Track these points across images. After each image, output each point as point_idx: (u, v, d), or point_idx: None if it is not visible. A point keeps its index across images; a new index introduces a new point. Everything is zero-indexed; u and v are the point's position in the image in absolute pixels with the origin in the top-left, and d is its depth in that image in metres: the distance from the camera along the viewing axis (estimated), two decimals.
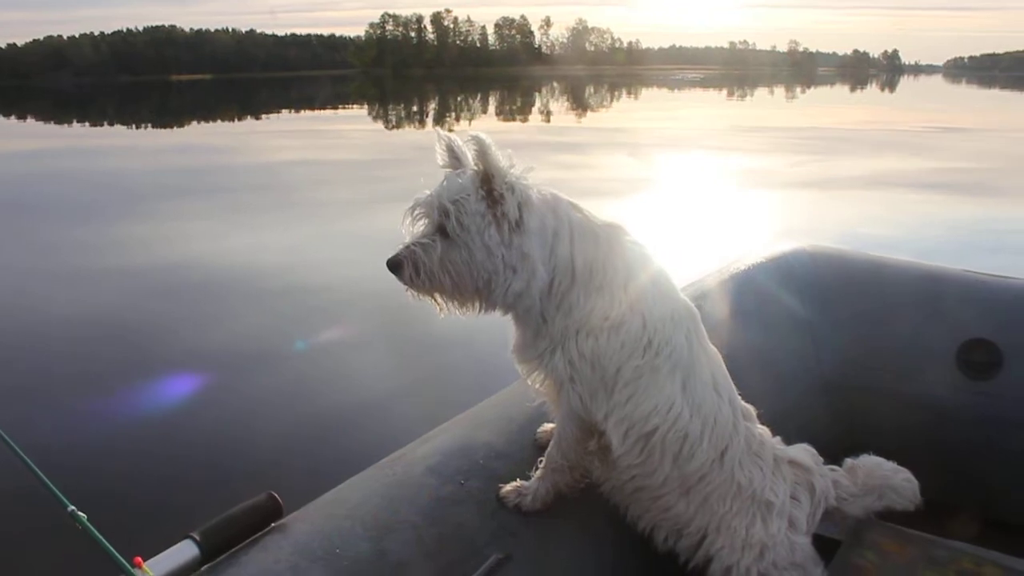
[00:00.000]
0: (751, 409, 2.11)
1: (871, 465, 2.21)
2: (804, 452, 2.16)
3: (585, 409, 1.92)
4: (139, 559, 1.54)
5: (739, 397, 2.07)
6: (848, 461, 2.21)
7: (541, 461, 2.04)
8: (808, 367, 3.05)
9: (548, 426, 2.19)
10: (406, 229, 1.86)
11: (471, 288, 1.83)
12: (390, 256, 1.83)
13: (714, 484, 1.97)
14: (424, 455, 2.08)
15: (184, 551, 1.63)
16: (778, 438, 2.16)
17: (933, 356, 2.96)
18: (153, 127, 32.93)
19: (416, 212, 1.85)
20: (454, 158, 1.89)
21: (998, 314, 2.94)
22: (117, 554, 1.51)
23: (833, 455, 2.27)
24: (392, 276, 1.84)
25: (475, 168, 1.79)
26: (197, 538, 1.65)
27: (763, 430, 2.12)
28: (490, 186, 1.77)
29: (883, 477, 2.19)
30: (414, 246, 1.81)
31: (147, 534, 1.77)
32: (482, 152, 1.75)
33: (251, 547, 1.71)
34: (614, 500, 2.09)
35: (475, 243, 1.77)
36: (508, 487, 2.03)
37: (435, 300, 1.88)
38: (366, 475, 2.01)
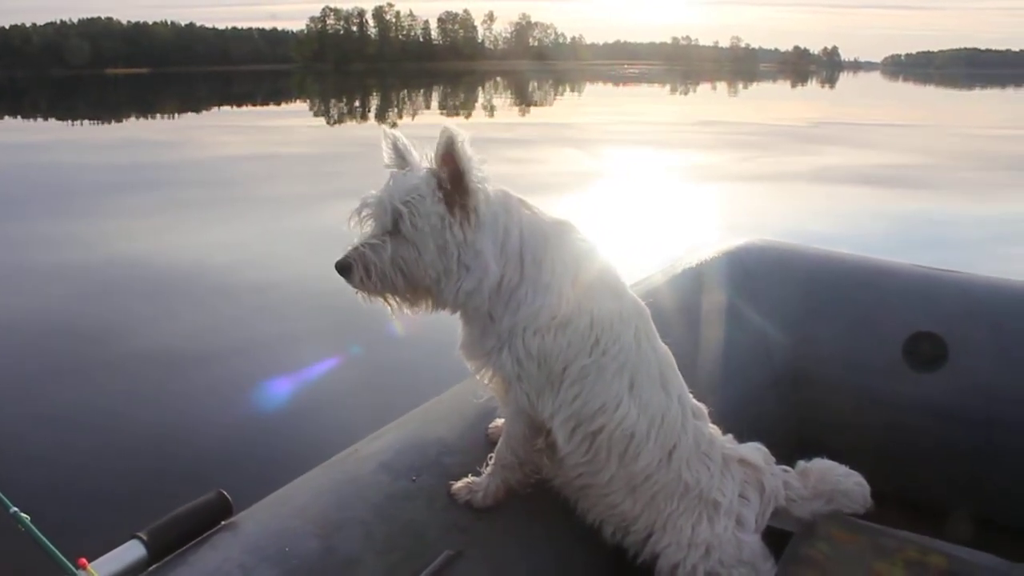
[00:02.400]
0: (702, 408, 2.12)
1: (823, 469, 2.23)
2: (755, 451, 2.18)
3: (532, 407, 1.92)
4: (84, 560, 1.50)
5: (690, 395, 2.08)
6: (801, 464, 2.24)
7: (492, 457, 2.04)
8: (758, 361, 3.07)
9: (499, 422, 2.18)
10: (353, 230, 1.83)
11: (423, 287, 1.82)
12: (338, 259, 1.79)
13: (661, 483, 1.98)
14: (375, 452, 2.06)
15: (130, 551, 1.60)
16: (729, 436, 2.17)
17: (881, 349, 3.01)
18: (90, 122, 32.23)
19: (364, 213, 1.81)
20: (399, 156, 1.86)
21: (943, 307, 2.99)
22: (61, 556, 1.48)
23: (784, 448, 2.29)
24: (340, 278, 1.81)
25: (430, 166, 1.78)
26: (144, 538, 1.62)
27: (713, 429, 2.13)
28: (458, 181, 1.74)
29: (835, 481, 2.22)
30: (363, 247, 1.78)
31: (93, 535, 1.73)
32: (451, 144, 1.72)
33: (199, 546, 1.68)
34: (564, 494, 2.09)
35: (426, 243, 1.75)
36: (459, 484, 2.02)
37: (386, 301, 1.85)
38: (317, 472, 1.99)
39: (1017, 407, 2.78)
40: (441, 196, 1.75)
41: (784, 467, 2.20)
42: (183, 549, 1.67)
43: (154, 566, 1.61)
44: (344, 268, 1.79)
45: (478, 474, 2.04)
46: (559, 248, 1.88)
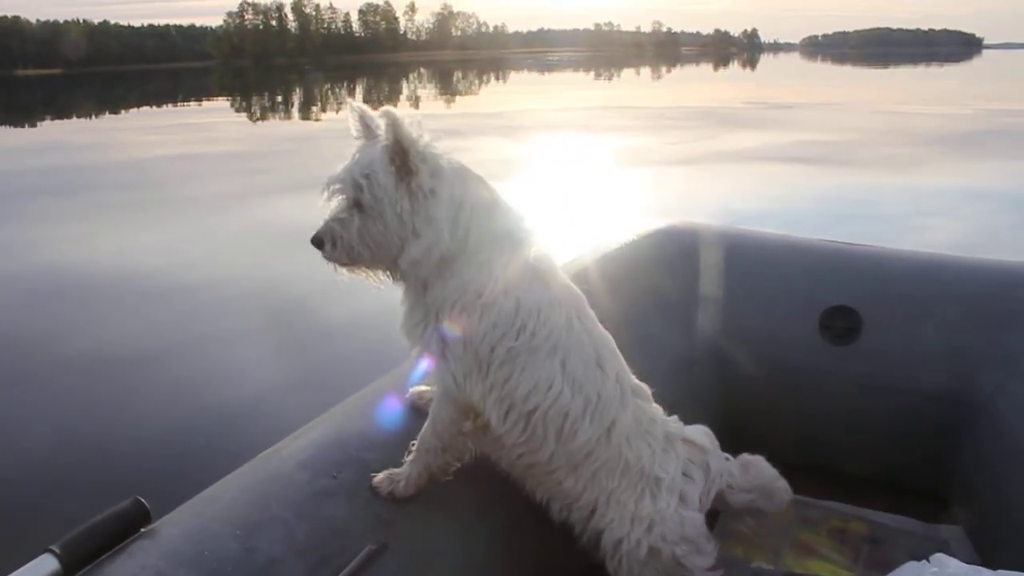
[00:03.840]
0: (644, 388, 2.13)
1: (762, 466, 2.27)
2: (701, 433, 2.21)
3: (459, 388, 1.92)
4: None
5: (631, 376, 2.10)
6: (745, 456, 2.27)
7: (414, 444, 2.03)
8: (682, 341, 3.11)
9: (417, 388, 2.22)
10: (324, 205, 1.89)
11: (389, 257, 1.86)
12: (312, 234, 1.86)
13: (602, 460, 1.99)
14: (296, 450, 2.03)
15: (43, 566, 1.54)
16: (675, 417, 2.19)
17: (798, 324, 3.07)
18: (1, 125, 31.28)
19: (332, 188, 1.87)
20: (366, 128, 1.90)
21: (856, 281, 3.07)
22: None
23: (709, 426, 2.32)
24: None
25: (385, 142, 1.81)
26: (57, 551, 1.56)
27: (655, 408, 2.14)
28: (403, 159, 1.79)
29: (768, 479, 2.25)
30: (332, 222, 1.85)
31: (3, 551, 1.68)
32: (393, 126, 1.77)
33: (116, 556, 1.63)
34: (513, 476, 2.09)
35: (384, 214, 1.80)
36: (380, 476, 2.00)
37: (363, 273, 1.92)
38: (238, 474, 1.96)
39: (928, 375, 2.86)
40: (393, 169, 1.79)
41: (726, 455, 2.23)
42: (99, 560, 1.62)
43: None
44: (317, 242, 1.86)
45: (399, 466, 2.02)
46: (500, 230, 1.91)
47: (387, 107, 1.79)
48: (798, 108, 27.36)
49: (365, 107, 1.91)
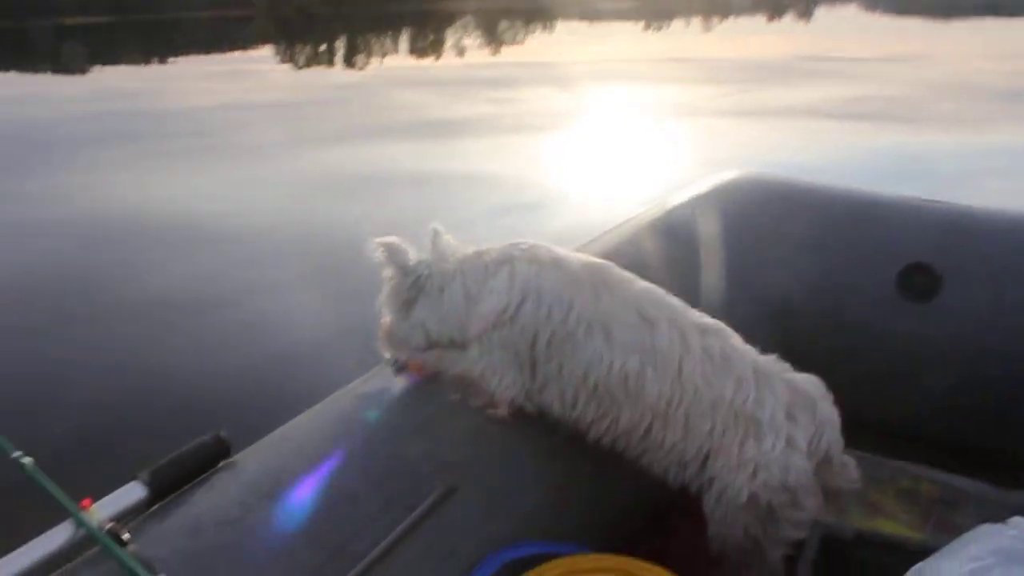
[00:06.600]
0: (716, 324, 2.07)
1: None
2: (807, 381, 2.08)
3: (500, 385, 2.05)
4: (87, 501, 1.53)
5: (691, 315, 2.05)
6: None
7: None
8: (751, 296, 3.04)
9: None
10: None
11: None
12: None
13: (684, 404, 1.95)
14: (369, 392, 2.09)
15: (132, 492, 1.63)
16: (773, 357, 2.08)
17: (874, 281, 3.01)
18: (53, 73, 31.36)
19: None
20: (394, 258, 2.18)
21: (935, 238, 3.00)
22: (66, 497, 1.49)
23: None
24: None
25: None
26: (145, 478, 1.65)
27: (736, 343, 2.06)
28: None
29: None
30: None
31: (95, 478, 1.73)
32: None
33: (199, 486, 1.71)
34: (624, 454, 2.07)
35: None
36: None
37: None
38: (313, 412, 2.02)
39: (1009, 335, 2.80)
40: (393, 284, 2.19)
41: None
42: (183, 489, 1.70)
43: (156, 506, 1.65)
44: None
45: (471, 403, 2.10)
46: (494, 270, 2.04)
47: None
48: (856, 61, 26.67)
49: (390, 240, 2.15)
